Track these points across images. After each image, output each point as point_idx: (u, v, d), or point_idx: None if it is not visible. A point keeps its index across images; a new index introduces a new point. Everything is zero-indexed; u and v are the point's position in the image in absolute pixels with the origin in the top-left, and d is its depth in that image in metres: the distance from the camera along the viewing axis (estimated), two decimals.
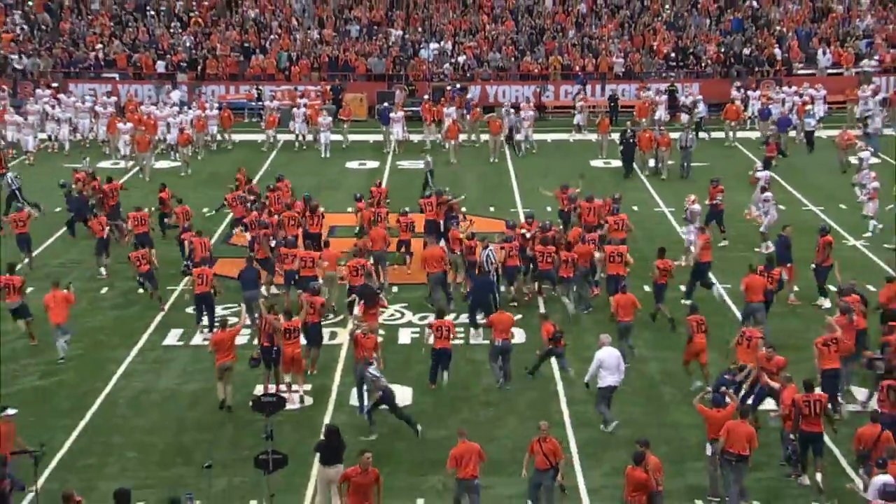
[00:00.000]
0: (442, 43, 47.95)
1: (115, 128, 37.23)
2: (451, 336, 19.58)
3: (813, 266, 23.10)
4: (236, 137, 40.25)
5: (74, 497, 13.45)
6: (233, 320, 20.66)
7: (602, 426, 17.92)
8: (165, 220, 27.85)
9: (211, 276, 22.33)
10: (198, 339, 21.79)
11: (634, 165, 34.62)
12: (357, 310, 20.89)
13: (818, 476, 15.97)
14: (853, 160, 31.73)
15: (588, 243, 23.48)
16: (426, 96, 42.07)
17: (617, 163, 35.14)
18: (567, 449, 17.34)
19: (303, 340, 19.54)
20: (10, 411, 15.91)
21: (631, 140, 34.46)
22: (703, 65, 46.79)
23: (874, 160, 32.55)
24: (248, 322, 20.91)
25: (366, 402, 18.41)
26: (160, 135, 37.55)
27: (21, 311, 21.85)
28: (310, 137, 39.20)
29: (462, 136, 38.13)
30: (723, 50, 47.37)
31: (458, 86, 44.31)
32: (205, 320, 22.13)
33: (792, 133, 38.01)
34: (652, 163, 34.52)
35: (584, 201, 25.85)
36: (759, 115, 40.05)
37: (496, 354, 19.75)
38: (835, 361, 17.89)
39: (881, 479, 14.01)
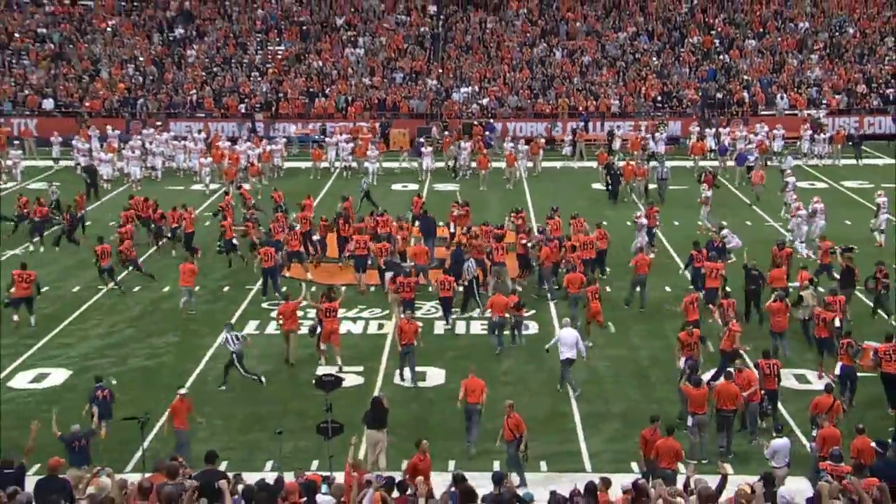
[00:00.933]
0: (470, 87, 48.01)
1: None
2: (451, 288, 21.78)
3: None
4: (304, 165, 40.30)
5: (178, 458, 13.51)
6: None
7: (571, 392, 18.35)
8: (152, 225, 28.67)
9: (273, 253, 23.73)
10: (271, 329, 21.92)
11: (626, 189, 34.36)
12: (387, 278, 22.25)
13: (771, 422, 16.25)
14: (788, 180, 31.43)
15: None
16: (446, 132, 42.23)
17: None
18: (571, 419, 17.33)
19: None
20: (183, 391, 16.16)
21: (617, 171, 34.13)
22: (684, 106, 46.61)
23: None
24: (307, 299, 21.37)
25: (407, 375, 18.86)
26: (242, 165, 37.60)
27: (111, 273, 24.39)
28: (353, 165, 39.12)
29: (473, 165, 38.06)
30: (700, 94, 47.16)
31: (490, 121, 44.45)
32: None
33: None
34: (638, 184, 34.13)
35: (548, 218, 26.34)
36: (717, 151, 39.29)
37: (493, 328, 20.44)
38: (696, 314, 19.47)
39: (778, 442, 14.23)
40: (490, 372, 19.42)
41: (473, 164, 38.20)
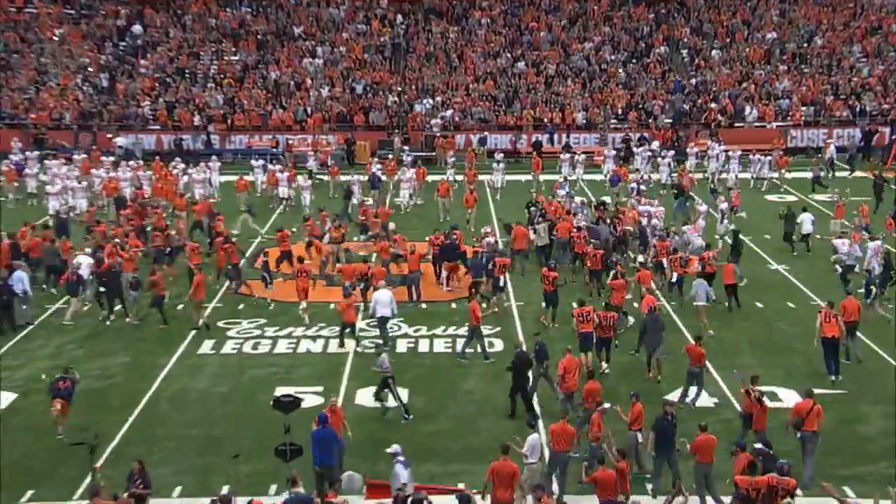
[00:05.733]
0: (432, 99, 48.18)
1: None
2: None
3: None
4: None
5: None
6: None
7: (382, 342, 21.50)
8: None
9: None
10: (227, 349, 21.89)
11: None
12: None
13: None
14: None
15: None
16: (390, 156, 41.40)
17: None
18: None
19: None
20: None
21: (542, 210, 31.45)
22: (654, 118, 47.14)
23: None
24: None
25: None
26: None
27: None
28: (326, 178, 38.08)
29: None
30: (667, 106, 47.80)
31: (486, 134, 44.79)
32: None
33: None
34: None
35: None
36: (609, 182, 36.87)
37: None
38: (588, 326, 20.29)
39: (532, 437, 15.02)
40: (453, 391, 19.52)
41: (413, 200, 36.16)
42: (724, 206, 30.64)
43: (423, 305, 24.84)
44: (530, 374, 18.50)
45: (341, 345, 21.97)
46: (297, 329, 23.04)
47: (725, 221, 30.09)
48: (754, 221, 32.65)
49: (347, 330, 21.86)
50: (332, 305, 24.14)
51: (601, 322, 20.03)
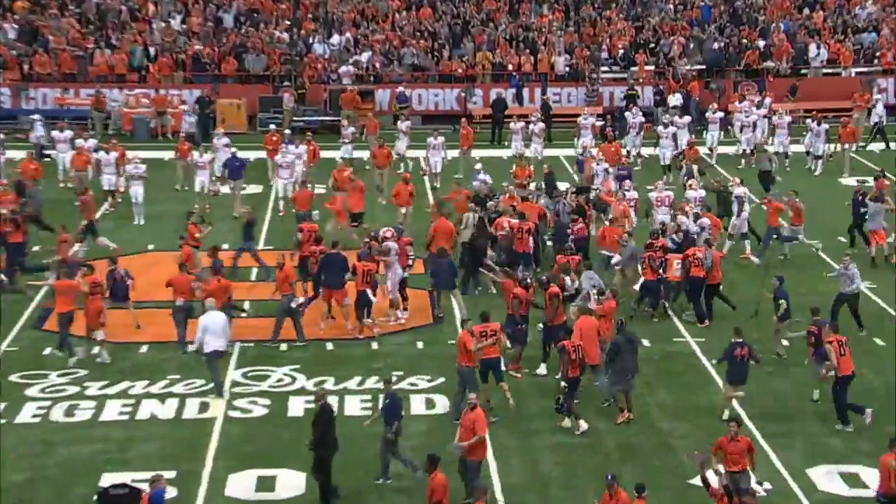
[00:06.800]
0: (342, 36, 48.29)
1: None
2: None
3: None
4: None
5: None
6: None
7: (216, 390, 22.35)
8: None
9: None
10: (25, 416, 21.67)
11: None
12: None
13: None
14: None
15: None
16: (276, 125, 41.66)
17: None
18: None
19: None
20: None
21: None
22: (671, 63, 47.86)
23: None
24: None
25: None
26: None
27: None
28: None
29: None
30: (692, 46, 48.38)
31: (401, 89, 45.37)
32: None
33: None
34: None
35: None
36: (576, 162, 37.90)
37: None
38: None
39: None
40: (375, 469, 19.52)
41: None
42: (740, 191, 31.52)
43: (329, 346, 25.00)
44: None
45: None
46: (137, 383, 22.80)
47: (745, 214, 31.24)
48: (819, 217, 33.07)
49: None
50: (189, 347, 24.26)
51: (571, 354, 20.60)
